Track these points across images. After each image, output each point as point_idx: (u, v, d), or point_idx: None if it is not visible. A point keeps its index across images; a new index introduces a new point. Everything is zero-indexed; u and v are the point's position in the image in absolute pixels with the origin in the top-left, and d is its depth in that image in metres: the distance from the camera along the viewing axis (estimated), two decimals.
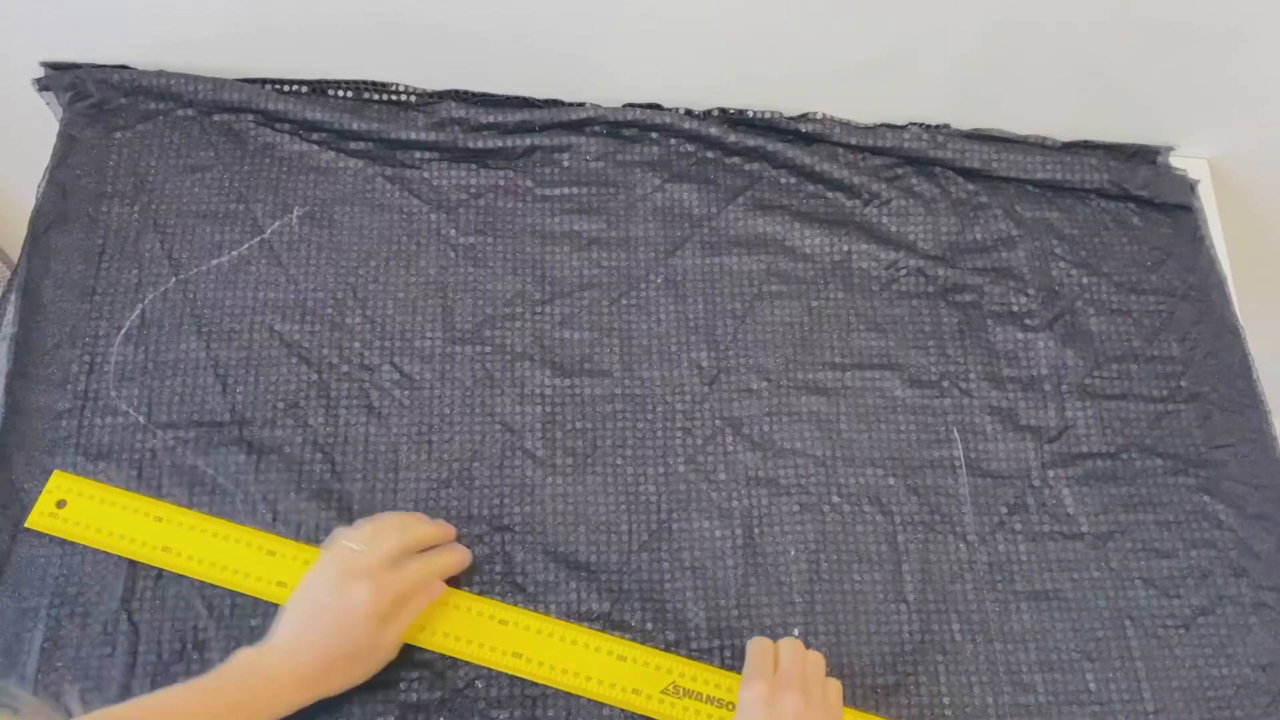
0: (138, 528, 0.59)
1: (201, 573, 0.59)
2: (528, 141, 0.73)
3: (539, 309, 0.69)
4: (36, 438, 0.62)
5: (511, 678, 0.59)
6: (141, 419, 0.63)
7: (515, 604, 0.60)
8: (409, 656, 0.58)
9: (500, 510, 0.63)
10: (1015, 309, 0.72)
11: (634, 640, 0.60)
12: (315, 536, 0.61)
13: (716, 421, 0.67)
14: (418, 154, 0.72)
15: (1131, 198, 0.76)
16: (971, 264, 0.73)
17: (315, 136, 0.72)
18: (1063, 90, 0.73)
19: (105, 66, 0.71)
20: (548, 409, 0.66)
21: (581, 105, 0.74)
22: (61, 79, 0.71)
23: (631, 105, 0.75)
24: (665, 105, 0.75)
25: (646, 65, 0.72)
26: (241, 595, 0.59)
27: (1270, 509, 0.67)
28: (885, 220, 0.74)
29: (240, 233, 0.68)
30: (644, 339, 0.68)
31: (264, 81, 0.73)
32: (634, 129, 0.74)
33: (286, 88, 0.73)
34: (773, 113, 0.75)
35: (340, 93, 0.74)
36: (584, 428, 0.66)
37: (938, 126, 0.76)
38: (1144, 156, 0.78)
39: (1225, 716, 0.61)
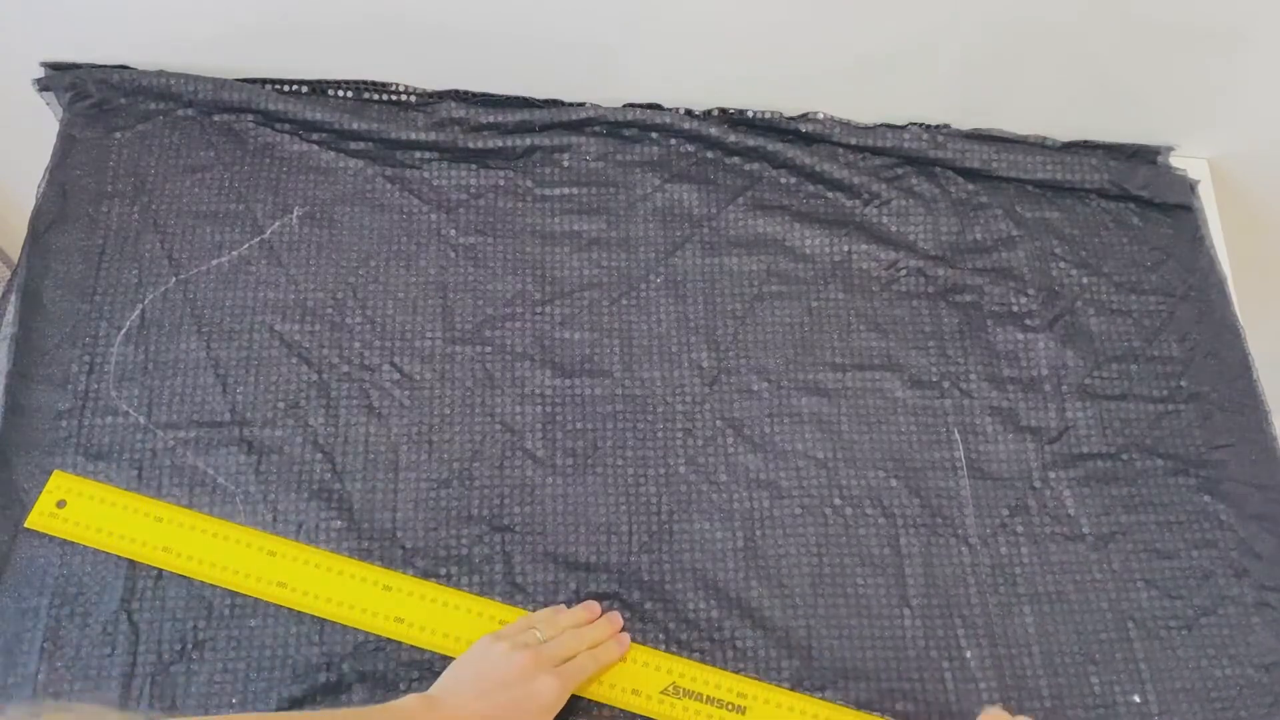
0: (138, 528, 0.59)
1: (201, 573, 0.59)
2: (528, 141, 0.73)
3: (539, 309, 0.69)
4: (36, 438, 0.62)
5: None
6: (142, 419, 0.63)
7: (515, 604, 0.60)
8: (409, 656, 0.58)
9: (500, 510, 0.63)
10: (1015, 309, 0.72)
11: (634, 641, 0.60)
12: (315, 536, 0.61)
13: (717, 422, 0.66)
14: (418, 154, 0.72)
15: (1131, 198, 0.76)
16: (971, 264, 0.73)
17: (315, 136, 0.72)
18: (1063, 90, 0.73)
19: (105, 66, 0.72)
20: (548, 409, 0.66)
21: (581, 105, 0.74)
22: (61, 79, 0.71)
23: (631, 105, 0.75)
24: (665, 105, 0.75)
25: (646, 65, 0.72)
26: (241, 596, 0.59)
27: (1271, 509, 0.67)
28: (885, 220, 0.74)
29: (240, 233, 0.68)
30: (644, 339, 0.68)
31: (264, 81, 0.73)
32: (634, 129, 0.74)
33: (286, 88, 0.73)
34: (773, 113, 0.75)
35: (340, 93, 0.74)
36: (584, 428, 0.65)
37: (938, 126, 0.76)
38: (1144, 156, 0.78)
39: (1229, 717, 0.61)
